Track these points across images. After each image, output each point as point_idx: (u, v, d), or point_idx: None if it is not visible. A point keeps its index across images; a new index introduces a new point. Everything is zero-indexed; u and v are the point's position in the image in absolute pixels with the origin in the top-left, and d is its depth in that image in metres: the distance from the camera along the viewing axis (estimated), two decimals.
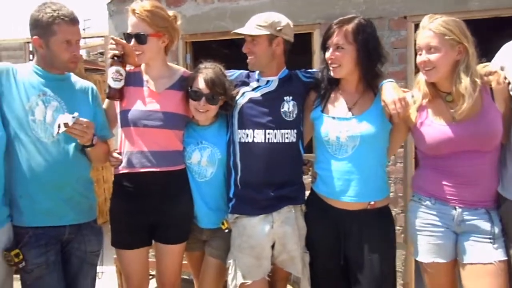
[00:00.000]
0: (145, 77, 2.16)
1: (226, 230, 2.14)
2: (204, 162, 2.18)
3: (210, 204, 2.21)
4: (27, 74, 1.95)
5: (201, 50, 3.91)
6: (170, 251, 2.20)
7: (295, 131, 2.12)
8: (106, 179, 5.46)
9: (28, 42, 4.97)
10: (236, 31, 2.12)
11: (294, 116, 2.11)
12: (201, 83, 2.10)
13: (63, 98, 1.97)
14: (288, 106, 2.11)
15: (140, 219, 2.11)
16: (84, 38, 9.21)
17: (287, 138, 2.10)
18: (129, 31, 2.06)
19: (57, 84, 1.99)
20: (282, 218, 2.08)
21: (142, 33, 2.03)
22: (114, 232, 2.17)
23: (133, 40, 2.05)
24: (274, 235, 2.08)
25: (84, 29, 15.29)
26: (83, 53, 10.01)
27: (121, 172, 2.13)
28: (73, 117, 1.79)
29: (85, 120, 1.83)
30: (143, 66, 2.19)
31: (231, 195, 2.14)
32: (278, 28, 2.06)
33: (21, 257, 1.83)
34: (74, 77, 2.12)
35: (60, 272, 1.96)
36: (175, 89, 2.16)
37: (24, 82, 1.92)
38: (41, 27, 1.90)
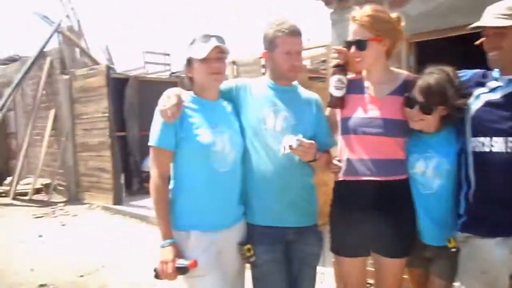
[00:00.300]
0: (366, 84, 2.12)
1: (454, 249, 1.92)
2: (430, 172, 2.00)
3: (435, 218, 2.02)
4: (260, 87, 2.16)
5: (425, 51, 3.64)
6: (389, 264, 2.10)
7: None
8: (325, 182, 5.65)
9: (260, 57, 5.53)
10: (476, 24, 1.86)
11: None
12: (416, 90, 1.94)
13: (290, 108, 2.10)
14: None
15: (359, 228, 2.07)
16: (309, 48, 9.80)
17: None
18: (349, 38, 2.06)
19: (285, 95, 2.13)
20: None
21: (361, 38, 2.00)
22: (333, 238, 2.19)
23: (353, 47, 2.04)
24: None
25: (308, 39, 16.22)
26: (306, 62, 10.65)
27: (341, 179, 2.14)
28: (297, 140, 1.88)
29: (307, 142, 1.91)
30: (364, 73, 2.15)
31: (461, 212, 1.91)
32: None
33: (252, 252, 2.02)
34: (300, 88, 2.23)
35: (284, 270, 2.09)
36: (397, 95, 2.05)
37: (258, 95, 2.13)
38: (267, 41, 2.09)
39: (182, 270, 1.85)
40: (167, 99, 1.92)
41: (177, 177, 2.01)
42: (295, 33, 2.05)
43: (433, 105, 1.92)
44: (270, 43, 2.08)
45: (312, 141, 1.94)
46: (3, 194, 9.07)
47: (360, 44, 2.01)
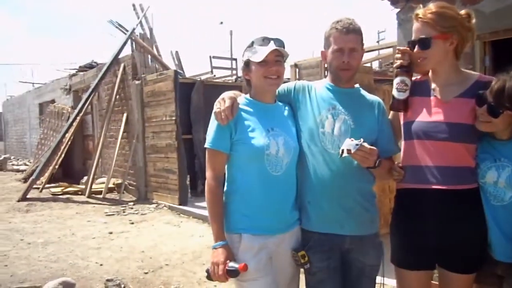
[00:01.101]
0: (432, 86, 1.99)
1: None
2: (502, 183, 1.84)
3: (508, 232, 1.85)
4: (320, 89, 2.10)
5: (502, 51, 3.38)
6: (456, 280, 1.96)
7: None
8: (392, 189, 5.44)
9: (323, 60, 5.46)
10: None
11: None
12: (489, 89, 1.79)
13: (350, 111, 2.02)
14: None
15: (422, 239, 1.95)
16: (376, 49, 9.52)
17: None
18: (413, 38, 1.96)
19: (345, 98, 2.06)
20: None
21: (424, 36, 1.89)
22: (394, 249, 2.08)
23: (416, 46, 1.93)
24: None
25: (378, 41, 15.77)
26: (375, 64, 10.35)
27: (403, 187, 2.03)
28: (357, 145, 1.80)
29: (368, 147, 1.82)
30: (430, 74, 2.02)
31: None
32: None
33: (306, 258, 1.96)
34: (362, 91, 2.15)
35: (339, 279, 2.01)
36: (466, 97, 1.90)
37: (317, 97, 2.07)
38: (325, 40, 2.04)
39: (232, 273, 1.85)
40: (222, 101, 1.93)
41: (231, 179, 2.00)
42: (349, 30, 1.97)
43: (501, 108, 1.76)
44: (326, 41, 2.04)
45: (373, 147, 1.85)
46: (80, 192, 9.71)
47: (424, 42, 1.90)
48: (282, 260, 2.00)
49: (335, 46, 1.98)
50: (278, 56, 1.96)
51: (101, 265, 4.84)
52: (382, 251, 2.09)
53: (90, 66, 12.29)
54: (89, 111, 11.71)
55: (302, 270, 2.04)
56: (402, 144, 2.07)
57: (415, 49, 1.94)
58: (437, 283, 2.11)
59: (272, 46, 1.93)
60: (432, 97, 1.97)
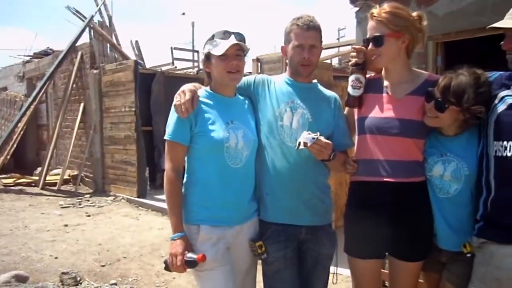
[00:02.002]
0: (385, 83, 2.08)
1: (469, 255, 1.87)
2: (448, 176, 1.95)
3: (451, 223, 1.97)
4: (279, 83, 2.14)
5: (453, 51, 3.55)
6: (405, 268, 2.06)
7: None
8: (348, 182, 5.59)
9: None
10: (494, 25, 1.81)
11: None
12: (437, 86, 1.90)
13: (308, 106, 2.08)
14: None
15: (374, 229, 2.04)
16: (336, 47, 9.72)
17: None
18: (367, 36, 2.03)
19: (304, 92, 2.11)
20: None
21: (378, 34, 1.97)
22: (347, 239, 2.16)
23: (370, 44, 2.00)
24: None
25: (338, 39, 16.06)
26: (335, 60, 10.56)
27: (356, 180, 2.11)
28: (313, 138, 1.85)
29: (324, 141, 1.88)
30: (383, 72, 2.11)
31: (478, 217, 1.85)
32: None
33: (263, 249, 2.01)
34: (320, 87, 2.21)
35: (296, 269, 2.08)
36: (417, 95, 2.00)
37: (276, 91, 2.11)
38: (285, 35, 2.09)
39: (191, 264, 1.87)
40: (182, 94, 1.93)
41: (191, 171, 2.02)
42: (309, 27, 2.03)
43: (447, 103, 1.87)
44: (287, 37, 2.08)
45: (328, 141, 1.92)
46: (33, 184, 9.38)
47: (377, 40, 1.98)
48: (240, 251, 2.04)
49: (295, 42, 2.03)
50: (238, 50, 1.98)
51: (55, 258, 4.72)
52: (336, 241, 2.17)
53: (45, 53, 11.82)
54: (44, 100, 11.29)
55: (259, 260, 2.09)
56: (355, 138, 2.16)
57: (369, 47, 2.01)
58: (387, 271, 2.22)
59: (232, 40, 1.95)
60: (384, 94, 2.06)
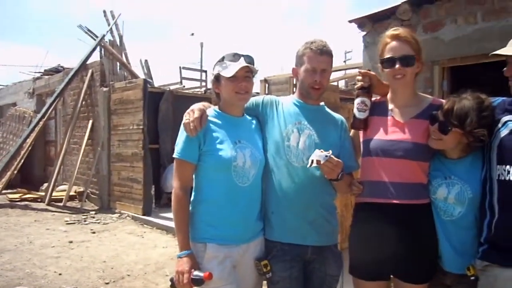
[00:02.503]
0: (390, 106, 2.13)
1: (472, 278, 1.88)
2: (452, 199, 1.97)
3: (456, 246, 1.98)
4: (287, 104, 2.19)
5: (458, 76, 3.60)
6: None
7: None
8: (354, 204, 5.57)
9: (292, 77, 5.59)
10: (497, 52, 1.86)
11: None
12: (441, 108, 1.95)
13: (315, 127, 2.12)
14: None
15: (379, 251, 2.05)
16: (343, 69, 9.81)
17: None
18: (388, 55, 2.04)
19: (311, 114, 2.16)
20: None
21: (409, 54, 2.01)
22: (352, 260, 2.17)
23: (398, 63, 2.01)
24: None
25: (344, 61, 16.23)
26: (341, 83, 10.64)
27: (361, 201, 2.14)
28: (326, 156, 1.88)
29: (336, 159, 1.91)
30: (389, 95, 2.16)
31: (482, 240, 1.86)
32: None
33: (269, 268, 2.02)
34: (327, 109, 2.26)
35: None
36: (421, 118, 2.04)
37: (284, 112, 2.16)
38: (297, 58, 2.14)
39: (197, 282, 1.88)
40: (191, 113, 1.98)
41: (199, 189, 2.05)
42: (323, 52, 2.08)
43: (450, 126, 1.90)
44: (299, 60, 2.13)
45: (340, 160, 1.94)
46: (39, 199, 9.42)
47: (408, 60, 2.01)
48: (246, 269, 2.05)
49: (308, 66, 2.08)
50: (247, 72, 2.03)
51: (60, 274, 4.72)
52: (342, 262, 2.18)
53: (56, 70, 12.01)
54: (53, 116, 11.42)
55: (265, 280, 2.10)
56: (361, 160, 2.18)
57: (396, 66, 2.01)
58: None
59: (242, 62, 2.01)
60: (389, 117, 2.10)
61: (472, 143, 1.92)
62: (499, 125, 1.87)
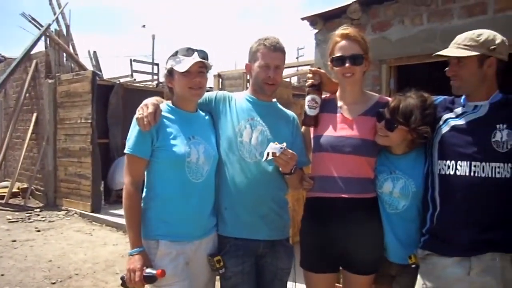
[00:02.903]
0: (339, 103, 2.19)
1: (413, 266, 1.98)
2: (396, 193, 2.07)
3: (400, 237, 2.08)
4: (240, 100, 2.20)
5: (405, 75, 3.75)
6: (357, 281, 2.15)
7: (510, 165, 1.81)
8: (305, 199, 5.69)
9: (245, 72, 5.59)
10: (439, 53, 1.95)
11: (510, 147, 1.81)
12: (387, 106, 2.03)
13: (267, 123, 2.14)
14: (502, 135, 1.82)
15: (328, 244, 2.11)
16: (296, 66, 9.94)
17: (498, 173, 1.81)
18: (338, 54, 2.09)
19: (263, 110, 2.18)
20: (482, 266, 1.79)
21: (358, 53, 2.07)
22: (303, 253, 2.22)
23: (348, 62, 2.07)
24: (470, 285, 1.81)
25: (297, 58, 16.44)
26: (294, 79, 10.79)
27: (312, 196, 2.19)
28: (281, 148, 1.90)
29: (290, 152, 1.93)
30: (338, 93, 2.22)
31: (424, 231, 1.97)
32: (492, 47, 1.82)
33: (222, 263, 2.03)
34: (279, 105, 2.29)
35: (254, 283, 2.11)
36: (369, 115, 2.12)
37: (237, 108, 2.17)
38: (251, 54, 2.16)
39: (150, 279, 1.86)
40: (145, 107, 1.94)
41: (151, 185, 2.02)
42: (276, 48, 2.11)
43: (396, 123, 1.99)
44: (253, 56, 2.15)
45: (294, 152, 1.96)
46: None
47: (357, 58, 2.07)
48: (199, 265, 2.05)
49: (262, 62, 2.10)
50: (201, 67, 2.02)
51: (2, 275, 4.50)
52: (293, 255, 2.23)
53: None
54: None
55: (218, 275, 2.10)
56: (311, 156, 2.24)
57: (346, 64, 2.07)
58: (341, 285, 2.29)
59: (196, 57, 1.99)
60: (338, 114, 2.16)
61: (416, 139, 2.01)
62: (440, 122, 1.98)
